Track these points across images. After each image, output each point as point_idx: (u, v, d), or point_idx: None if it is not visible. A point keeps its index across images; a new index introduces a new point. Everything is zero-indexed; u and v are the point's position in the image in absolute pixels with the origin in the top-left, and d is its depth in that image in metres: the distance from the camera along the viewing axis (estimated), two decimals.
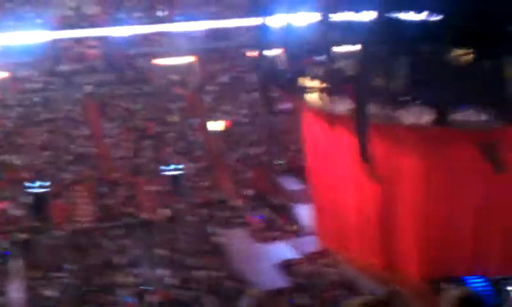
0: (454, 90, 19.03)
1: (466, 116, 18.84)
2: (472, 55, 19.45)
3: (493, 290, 20.31)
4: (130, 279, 24.30)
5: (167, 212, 29.46)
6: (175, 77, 37.91)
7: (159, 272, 24.98)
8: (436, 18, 19.81)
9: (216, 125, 34.74)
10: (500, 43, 18.23)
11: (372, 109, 20.58)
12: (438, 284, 20.52)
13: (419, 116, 20.09)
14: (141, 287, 23.83)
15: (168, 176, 32.08)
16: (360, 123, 20.68)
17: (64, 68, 36.41)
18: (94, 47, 37.57)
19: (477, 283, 20.54)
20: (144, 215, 29.22)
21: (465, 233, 20.77)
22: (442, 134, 19.62)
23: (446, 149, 20.14)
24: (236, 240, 27.54)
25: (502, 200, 19.92)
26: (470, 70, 19.23)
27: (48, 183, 29.95)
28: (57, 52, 36.38)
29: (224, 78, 38.21)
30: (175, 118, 35.40)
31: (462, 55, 19.90)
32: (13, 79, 35.15)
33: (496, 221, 20.36)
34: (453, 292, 3.45)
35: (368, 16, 21.24)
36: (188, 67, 38.24)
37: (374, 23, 20.65)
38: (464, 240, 20.83)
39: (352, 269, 23.97)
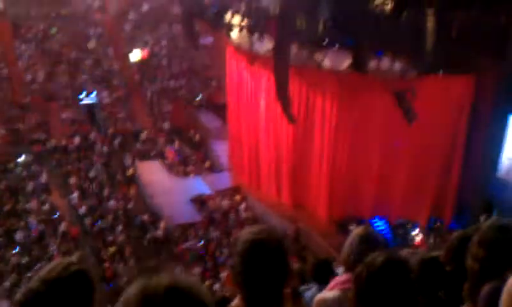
0: (372, 37, 19.22)
1: (382, 63, 19.22)
2: (392, 4, 19.60)
3: (393, 232, 21.46)
4: (38, 206, 23.77)
5: (79, 140, 28.64)
6: (94, 2, 36.21)
7: (69, 200, 24.58)
8: None
9: (134, 55, 33.67)
10: None
11: (292, 49, 20.61)
12: (344, 225, 21.36)
13: (337, 60, 20.30)
14: (49, 214, 23.42)
15: (83, 104, 31.10)
16: (279, 63, 20.69)
17: None
18: None
19: (379, 225, 21.55)
20: (56, 142, 28.29)
21: (372, 178, 21.57)
22: (357, 80, 19.95)
23: (360, 95, 20.59)
24: (150, 173, 27.33)
25: (409, 148, 20.72)
26: (388, 18, 19.41)
27: None
28: None
29: (145, 7, 36.85)
30: (93, 45, 34.02)
31: (383, 2, 20.02)
32: None
33: (401, 168, 21.23)
34: (355, 230, 3.61)
35: None
36: None
37: None
38: (371, 184, 21.64)
39: (263, 207, 24.44)
